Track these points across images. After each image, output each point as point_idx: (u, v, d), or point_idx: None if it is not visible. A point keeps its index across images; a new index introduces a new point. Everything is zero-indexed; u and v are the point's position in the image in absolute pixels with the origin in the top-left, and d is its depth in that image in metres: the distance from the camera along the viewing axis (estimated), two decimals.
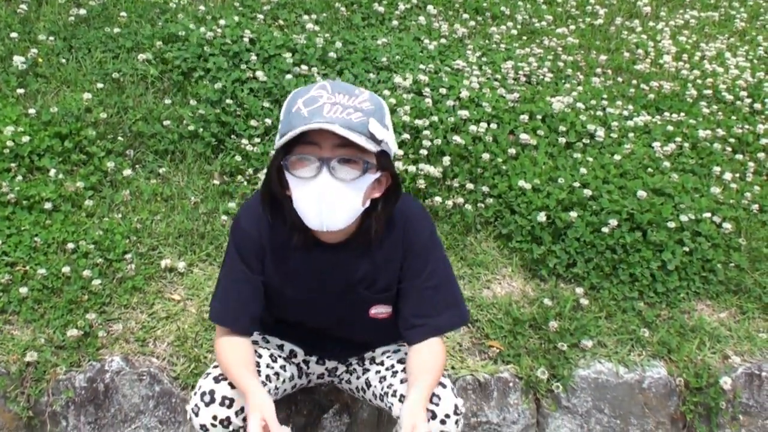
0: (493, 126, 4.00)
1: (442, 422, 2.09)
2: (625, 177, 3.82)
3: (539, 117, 4.16)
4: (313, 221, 1.94)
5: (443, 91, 4.19)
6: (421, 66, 4.44)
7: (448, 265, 2.26)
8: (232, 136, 3.83)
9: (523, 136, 3.96)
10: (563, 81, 4.74)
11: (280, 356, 2.38)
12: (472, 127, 3.91)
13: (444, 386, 2.15)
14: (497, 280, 3.44)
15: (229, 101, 3.90)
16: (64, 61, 4.16)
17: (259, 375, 2.23)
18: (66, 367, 2.86)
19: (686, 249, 3.50)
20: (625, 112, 4.42)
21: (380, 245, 2.14)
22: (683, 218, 3.55)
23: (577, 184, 3.66)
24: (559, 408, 3.13)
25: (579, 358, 3.17)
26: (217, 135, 3.81)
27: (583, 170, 3.77)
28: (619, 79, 4.87)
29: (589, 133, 4.13)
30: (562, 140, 4.03)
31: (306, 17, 4.86)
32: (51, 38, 4.30)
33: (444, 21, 5.18)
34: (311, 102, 1.87)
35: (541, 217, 3.49)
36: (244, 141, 3.76)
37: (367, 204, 1.99)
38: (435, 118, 3.95)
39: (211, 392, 2.14)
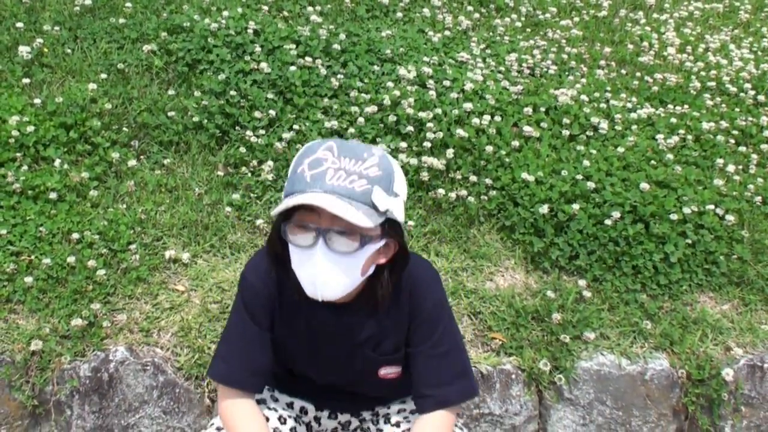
0: (497, 118, 4.00)
1: None
2: (629, 169, 3.82)
3: (543, 109, 4.16)
4: (308, 289, 1.87)
5: (447, 83, 4.19)
6: (425, 58, 4.44)
7: (458, 332, 2.18)
8: (237, 128, 3.83)
9: (527, 129, 3.96)
10: (567, 73, 4.73)
11: (289, 416, 2.28)
12: (476, 120, 3.91)
13: None
14: (500, 272, 3.45)
15: (233, 93, 3.90)
16: (69, 51, 4.17)
17: None
18: (70, 357, 2.88)
19: (689, 241, 3.50)
20: (629, 105, 4.42)
21: (387, 307, 2.05)
22: (686, 210, 3.55)
23: (580, 177, 3.66)
24: (562, 400, 3.14)
25: (581, 350, 3.18)
26: (221, 126, 3.82)
27: (586, 162, 3.77)
28: (623, 72, 4.86)
29: (593, 126, 4.13)
30: (566, 132, 4.03)
31: (310, 9, 4.86)
32: (56, 28, 4.30)
33: (448, 13, 5.17)
34: (315, 165, 1.78)
35: (544, 209, 3.50)
36: (249, 132, 3.77)
37: (371, 270, 1.92)
38: (439, 111, 3.95)
39: None
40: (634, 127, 4.21)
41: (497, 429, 3.10)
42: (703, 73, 4.87)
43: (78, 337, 2.93)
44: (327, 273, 1.82)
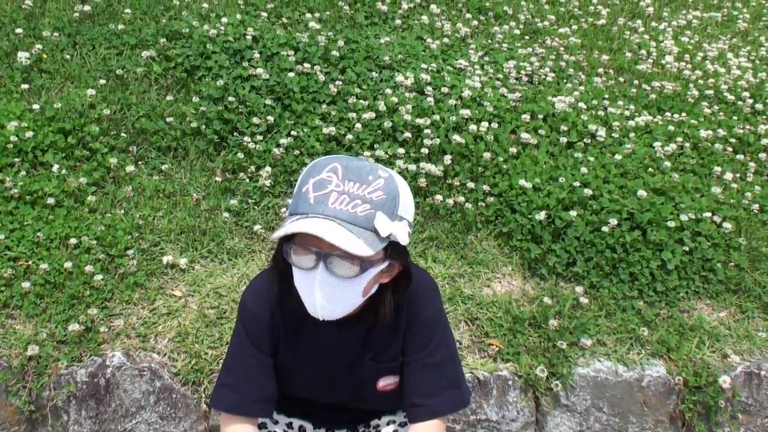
0: (495, 125, 4.01)
1: None
2: (626, 177, 3.83)
3: (541, 116, 4.17)
4: (310, 309, 1.88)
5: (445, 90, 4.20)
6: (424, 65, 4.45)
7: (453, 343, 2.18)
8: (235, 134, 3.84)
9: (525, 136, 3.97)
10: (565, 81, 4.74)
11: None
12: (474, 126, 3.92)
13: None
14: (497, 278, 3.45)
15: (231, 99, 3.91)
16: (68, 57, 4.18)
17: None
18: (67, 362, 2.88)
19: (686, 248, 3.51)
20: (627, 112, 4.43)
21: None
22: (683, 218, 3.56)
23: (577, 184, 3.67)
24: (558, 406, 3.14)
25: (578, 356, 3.17)
26: (219, 132, 3.82)
27: (583, 170, 3.78)
28: (621, 79, 4.87)
29: (591, 133, 4.14)
30: (564, 140, 4.04)
31: (309, 15, 4.87)
32: (55, 34, 4.32)
33: (447, 20, 5.19)
34: (320, 187, 1.76)
35: (542, 216, 3.50)
36: (247, 138, 3.78)
37: (374, 290, 1.92)
38: (437, 117, 3.96)
39: None
40: (631, 134, 4.22)
41: None
42: (701, 82, 4.88)
43: (75, 342, 2.92)
44: (327, 296, 1.82)
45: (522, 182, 3.65)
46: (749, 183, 4.03)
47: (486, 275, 3.44)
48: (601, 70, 4.90)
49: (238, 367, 2.10)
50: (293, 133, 3.83)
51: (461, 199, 3.64)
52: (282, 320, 2.07)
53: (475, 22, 5.20)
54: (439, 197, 3.62)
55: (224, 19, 4.47)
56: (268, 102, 3.95)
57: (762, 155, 4.22)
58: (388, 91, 4.12)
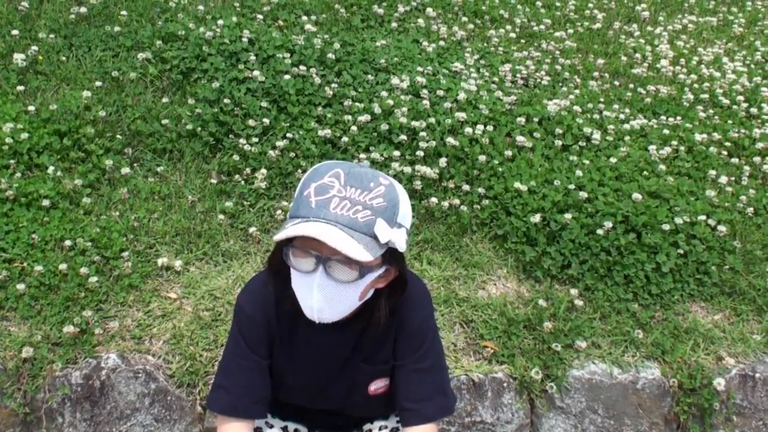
0: (490, 128, 4.01)
1: None
2: (621, 180, 3.84)
3: (536, 120, 4.18)
4: (306, 311, 1.89)
5: (441, 93, 4.21)
6: (419, 68, 4.46)
7: (441, 349, 2.21)
8: (230, 136, 3.84)
9: (520, 139, 3.98)
10: (560, 84, 4.75)
11: None
12: (469, 129, 3.93)
13: None
14: (492, 280, 3.45)
15: (227, 101, 3.91)
16: (64, 58, 4.18)
17: None
18: (62, 364, 2.87)
19: (681, 251, 3.52)
20: (622, 116, 4.44)
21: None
22: (678, 221, 3.56)
23: (572, 187, 3.68)
24: (553, 408, 3.14)
25: (573, 358, 3.18)
26: (215, 134, 3.82)
27: (578, 173, 3.79)
28: (616, 83, 4.89)
29: (586, 136, 4.15)
30: (559, 143, 4.05)
31: (305, 18, 4.87)
32: (51, 36, 4.31)
33: (443, 24, 5.20)
34: (321, 191, 1.78)
35: (537, 218, 3.51)
36: (242, 140, 3.78)
37: (369, 294, 1.94)
38: (432, 120, 3.97)
39: None
40: (626, 137, 4.23)
41: None
42: (696, 86, 4.90)
43: (70, 344, 2.92)
44: (325, 299, 1.84)
45: (517, 185, 3.65)
46: (744, 186, 4.04)
47: (481, 277, 3.45)
48: (596, 74, 4.91)
49: (233, 368, 2.11)
50: (289, 135, 3.83)
51: (456, 201, 3.64)
52: (277, 322, 2.08)
53: (471, 26, 5.21)
54: (434, 200, 3.62)
55: (220, 22, 4.48)
56: (264, 104, 3.95)
57: (756, 159, 4.24)
58: (384, 93, 4.12)
